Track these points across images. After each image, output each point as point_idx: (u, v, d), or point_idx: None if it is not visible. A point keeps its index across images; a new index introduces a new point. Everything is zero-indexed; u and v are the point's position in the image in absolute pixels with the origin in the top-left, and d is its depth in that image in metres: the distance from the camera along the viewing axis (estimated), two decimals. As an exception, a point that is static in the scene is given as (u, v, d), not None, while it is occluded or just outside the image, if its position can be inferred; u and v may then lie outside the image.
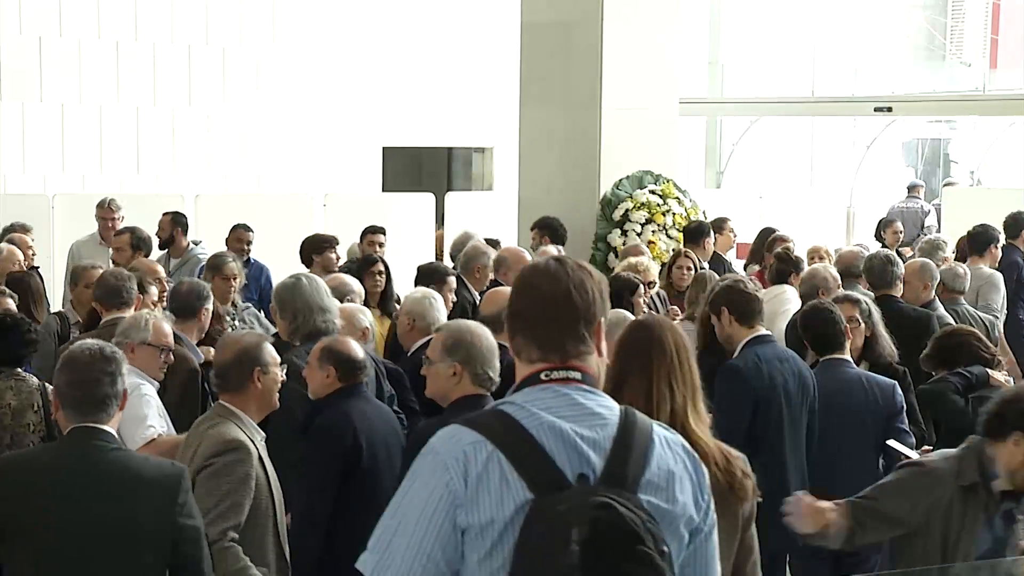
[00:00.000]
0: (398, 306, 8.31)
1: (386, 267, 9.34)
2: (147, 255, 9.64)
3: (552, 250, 9.20)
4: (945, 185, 18.80)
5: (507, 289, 6.94)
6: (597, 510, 2.60)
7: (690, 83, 19.50)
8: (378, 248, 10.85)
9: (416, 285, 8.37)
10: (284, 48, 18.25)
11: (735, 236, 12.04)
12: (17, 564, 4.06)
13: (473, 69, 19.27)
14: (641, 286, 8.21)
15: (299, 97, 18.37)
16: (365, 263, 9.55)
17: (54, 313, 8.30)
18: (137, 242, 9.70)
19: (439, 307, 7.26)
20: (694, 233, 11.03)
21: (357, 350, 5.69)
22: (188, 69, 17.57)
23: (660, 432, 2.85)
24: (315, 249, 10.16)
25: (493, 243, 10.54)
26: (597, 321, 2.89)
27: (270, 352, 5.08)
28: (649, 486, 2.74)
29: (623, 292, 7.94)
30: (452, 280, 8.68)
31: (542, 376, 2.83)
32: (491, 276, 9.30)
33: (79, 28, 16.79)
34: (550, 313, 2.86)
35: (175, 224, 11.06)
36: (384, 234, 11.18)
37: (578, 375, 2.83)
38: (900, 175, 26.19)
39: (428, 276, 8.56)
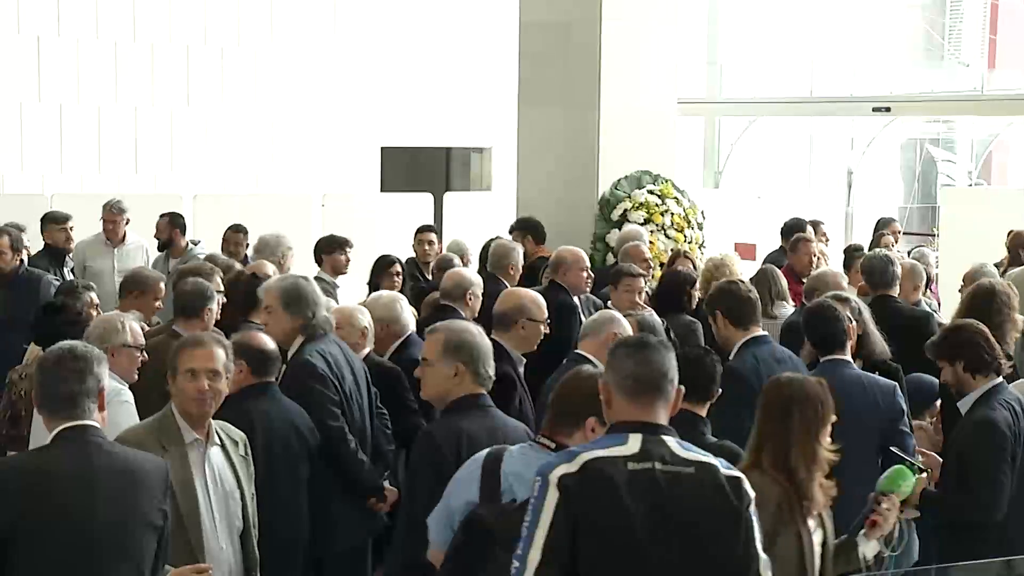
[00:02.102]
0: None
1: (402, 267, 9.35)
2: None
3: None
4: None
5: (523, 290, 6.99)
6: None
7: (689, 83, 19.50)
8: (427, 247, 10.83)
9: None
10: (282, 48, 18.24)
11: (827, 239, 11.97)
12: (23, 569, 4.06)
13: (471, 69, 19.26)
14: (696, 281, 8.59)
15: (297, 97, 18.36)
16: (383, 264, 9.51)
17: None
18: (16, 244, 9.37)
19: (407, 308, 7.27)
20: (791, 230, 11.09)
21: (269, 343, 5.78)
22: (186, 69, 17.56)
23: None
24: (326, 249, 10.16)
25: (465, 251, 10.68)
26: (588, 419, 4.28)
27: (183, 356, 5.01)
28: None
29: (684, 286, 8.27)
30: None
31: (535, 438, 4.49)
32: (519, 273, 9.35)
33: (77, 28, 16.78)
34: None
35: (173, 225, 11.05)
36: (435, 232, 11.17)
37: (553, 444, 4.35)
38: (898, 175, 26.20)
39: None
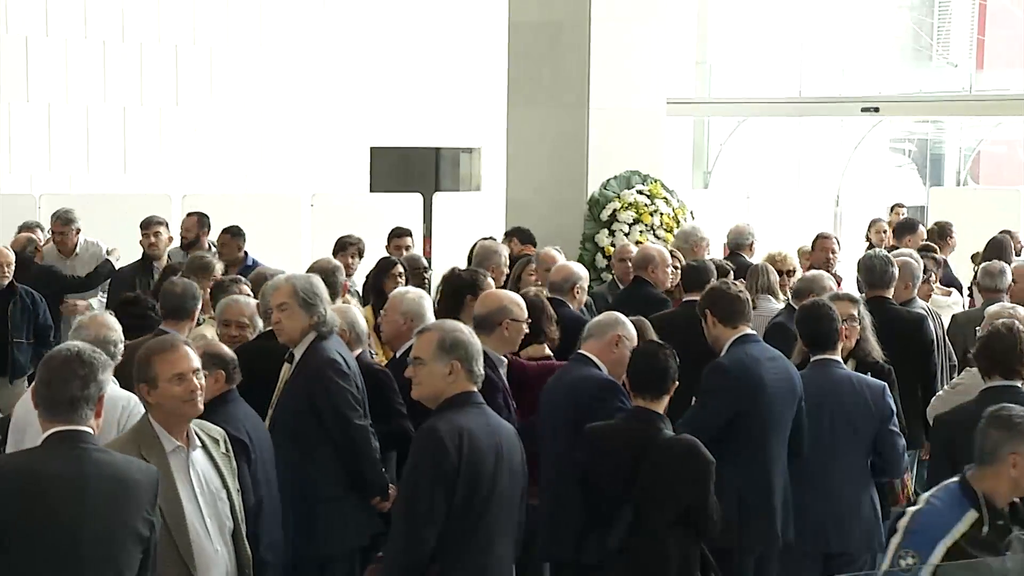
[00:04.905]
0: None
1: (405, 268, 9.30)
2: None
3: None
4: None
5: (502, 291, 6.97)
6: None
7: (678, 83, 19.49)
8: (404, 251, 10.72)
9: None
10: (272, 47, 18.24)
11: (953, 244, 11.92)
12: (6, 572, 4.05)
13: (461, 69, 19.27)
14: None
15: (287, 97, 18.36)
16: (386, 266, 9.45)
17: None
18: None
19: (430, 306, 7.25)
20: (904, 228, 11.48)
21: (228, 349, 5.81)
22: (175, 69, 17.55)
23: None
24: (336, 250, 10.16)
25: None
26: None
27: (162, 365, 4.85)
28: None
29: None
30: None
31: None
32: (503, 275, 9.30)
33: (66, 28, 16.77)
34: None
35: (201, 225, 10.90)
36: (411, 236, 11.09)
37: None
38: (887, 176, 26.25)
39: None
